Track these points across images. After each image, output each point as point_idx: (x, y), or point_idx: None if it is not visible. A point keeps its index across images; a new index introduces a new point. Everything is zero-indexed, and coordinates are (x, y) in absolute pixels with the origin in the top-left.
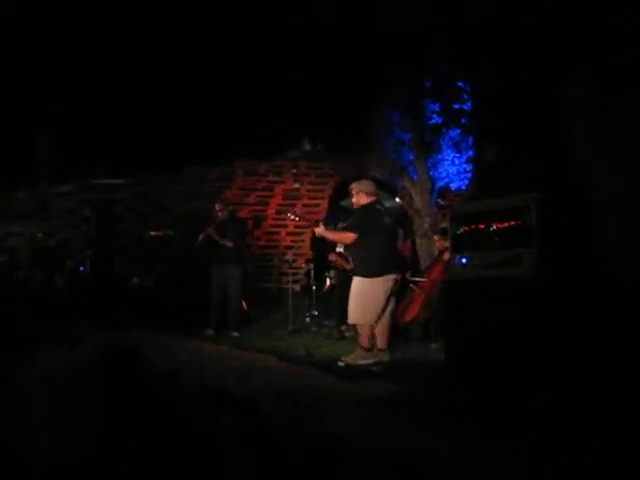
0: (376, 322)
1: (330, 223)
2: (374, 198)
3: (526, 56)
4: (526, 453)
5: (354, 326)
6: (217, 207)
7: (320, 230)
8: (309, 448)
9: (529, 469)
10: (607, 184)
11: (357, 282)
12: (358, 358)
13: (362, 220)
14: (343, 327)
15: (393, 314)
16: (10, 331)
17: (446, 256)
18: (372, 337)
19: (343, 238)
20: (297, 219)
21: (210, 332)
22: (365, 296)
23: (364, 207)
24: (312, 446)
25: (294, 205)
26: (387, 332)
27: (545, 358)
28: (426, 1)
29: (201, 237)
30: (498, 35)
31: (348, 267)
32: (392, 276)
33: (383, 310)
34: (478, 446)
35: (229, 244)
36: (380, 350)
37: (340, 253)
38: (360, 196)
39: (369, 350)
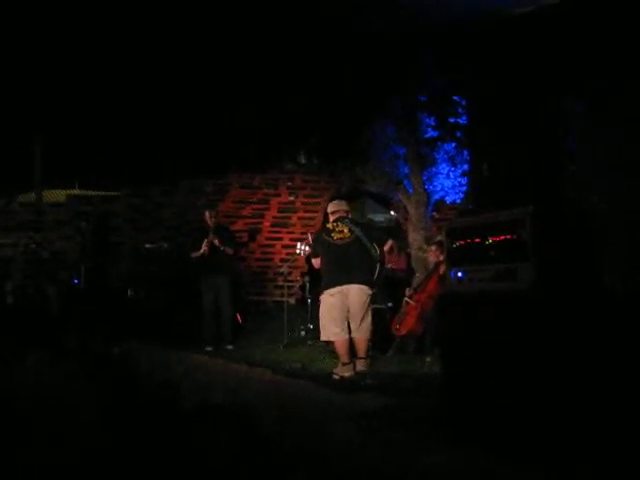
0: (340, 336)
1: None
2: (331, 217)
3: (523, 71)
4: (523, 467)
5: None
6: (207, 215)
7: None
8: (304, 462)
9: None
10: (603, 198)
11: None
12: (337, 371)
13: (312, 245)
14: None
15: (383, 326)
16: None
17: (442, 269)
18: (348, 350)
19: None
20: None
21: (209, 349)
22: (320, 313)
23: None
24: (307, 460)
25: (290, 218)
26: (362, 344)
27: (541, 371)
28: (422, 16)
29: (204, 247)
30: (495, 50)
31: None
32: (335, 289)
33: (351, 323)
34: (475, 460)
35: (229, 251)
36: (359, 359)
37: None
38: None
39: (347, 364)
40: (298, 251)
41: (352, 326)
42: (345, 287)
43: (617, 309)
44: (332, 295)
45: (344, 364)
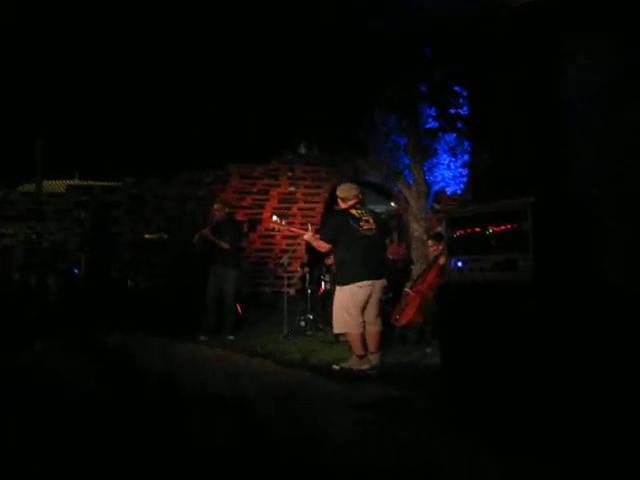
0: (361, 328)
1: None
2: (350, 203)
3: (526, 61)
4: (522, 458)
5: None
6: (215, 207)
7: (307, 235)
8: (303, 453)
9: (526, 474)
10: (605, 190)
11: (336, 291)
12: (353, 365)
13: (328, 228)
14: None
15: (384, 318)
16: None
17: (442, 260)
18: (363, 343)
19: (319, 246)
20: (281, 224)
21: (204, 338)
22: (341, 305)
23: (331, 215)
24: (306, 451)
25: (290, 208)
26: (376, 337)
27: (541, 362)
28: (424, 7)
29: (197, 237)
30: (497, 39)
31: None
32: (366, 282)
33: (365, 316)
34: (475, 451)
35: (225, 245)
36: (372, 353)
37: None
38: (339, 203)
39: (363, 357)
40: (275, 219)
41: (369, 319)
42: (374, 281)
43: (618, 301)
44: (361, 287)
45: (361, 357)
